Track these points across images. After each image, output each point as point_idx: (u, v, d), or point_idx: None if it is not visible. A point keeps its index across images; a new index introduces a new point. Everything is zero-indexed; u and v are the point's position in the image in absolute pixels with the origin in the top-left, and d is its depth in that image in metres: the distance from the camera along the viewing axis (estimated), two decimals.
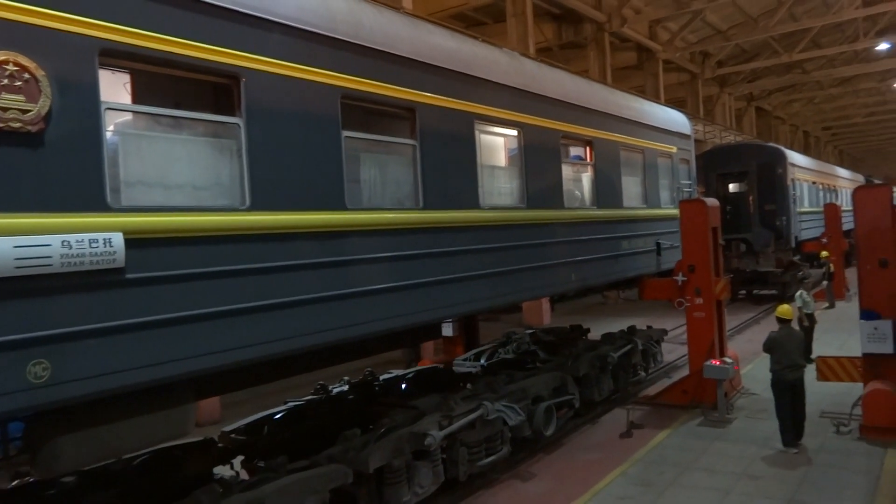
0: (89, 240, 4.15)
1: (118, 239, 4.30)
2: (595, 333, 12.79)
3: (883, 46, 35.02)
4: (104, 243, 4.22)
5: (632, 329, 12.91)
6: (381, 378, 9.48)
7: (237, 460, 7.38)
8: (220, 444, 7.32)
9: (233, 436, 7.54)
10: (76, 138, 4.22)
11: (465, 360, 11.26)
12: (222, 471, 6.98)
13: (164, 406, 5.02)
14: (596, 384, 10.79)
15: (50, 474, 5.03)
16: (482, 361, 11.11)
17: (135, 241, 4.43)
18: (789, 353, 8.96)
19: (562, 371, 10.03)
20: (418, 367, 10.58)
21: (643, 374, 12.82)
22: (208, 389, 5.94)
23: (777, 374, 9.01)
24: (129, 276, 4.40)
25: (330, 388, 8.83)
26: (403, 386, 9.48)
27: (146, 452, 6.39)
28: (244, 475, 6.91)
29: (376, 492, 6.81)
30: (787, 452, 8.78)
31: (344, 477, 6.26)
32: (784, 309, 9.43)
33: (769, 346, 9.13)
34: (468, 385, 9.28)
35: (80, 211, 4.19)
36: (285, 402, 8.40)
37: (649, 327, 13.52)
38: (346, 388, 8.98)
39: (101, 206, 4.30)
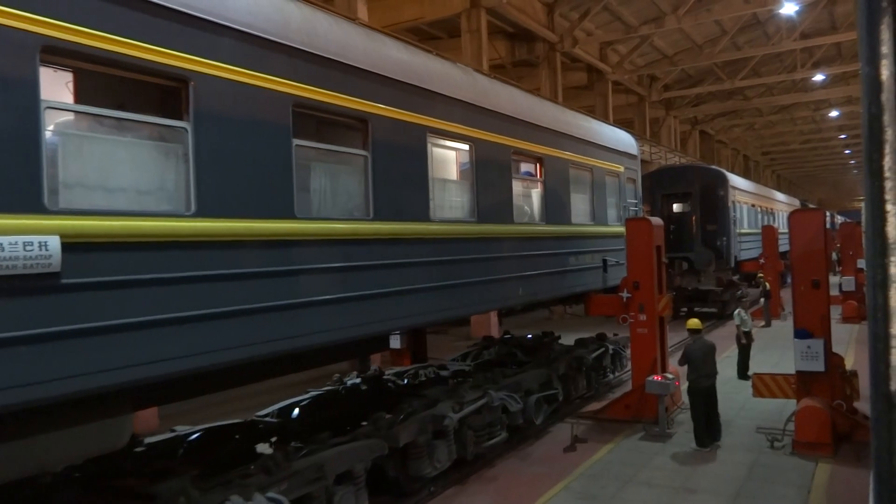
0: (23, 242, 3.98)
1: (54, 242, 4.14)
2: None
3: (818, 77, 36.75)
4: (39, 246, 4.05)
5: (601, 335, 13.84)
6: (387, 373, 10.57)
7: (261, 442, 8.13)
8: (260, 426, 8.23)
9: (267, 419, 8.48)
10: (13, 137, 4.05)
11: (454, 360, 12.29)
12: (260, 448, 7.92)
13: (98, 417, 4.83)
14: (573, 382, 12.14)
15: None
16: (469, 361, 12.15)
17: (72, 245, 4.27)
18: (704, 363, 9.77)
19: (546, 369, 11.16)
20: (418, 364, 11.44)
21: (612, 375, 13.88)
22: (146, 400, 5.76)
23: (693, 383, 9.82)
24: (65, 281, 4.24)
25: (345, 380, 9.85)
26: (406, 380, 10.48)
27: (200, 428, 7.42)
28: None
29: (402, 465, 7.91)
30: (700, 451, 9.57)
31: (381, 449, 7.33)
32: (694, 322, 10.32)
33: (686, 359, 9.88)
34: (461, 380, 10.27)
35: (15, 212, 4.01)
36: (307, 392, 9.34)
37: (616, 335, 14.22)
38: (358, 380, 9.97)
39: (37, 207, 4.14)
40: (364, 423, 7.95)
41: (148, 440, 7.00)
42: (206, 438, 7.32)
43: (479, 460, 9.28)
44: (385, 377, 10.28)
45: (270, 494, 5.84)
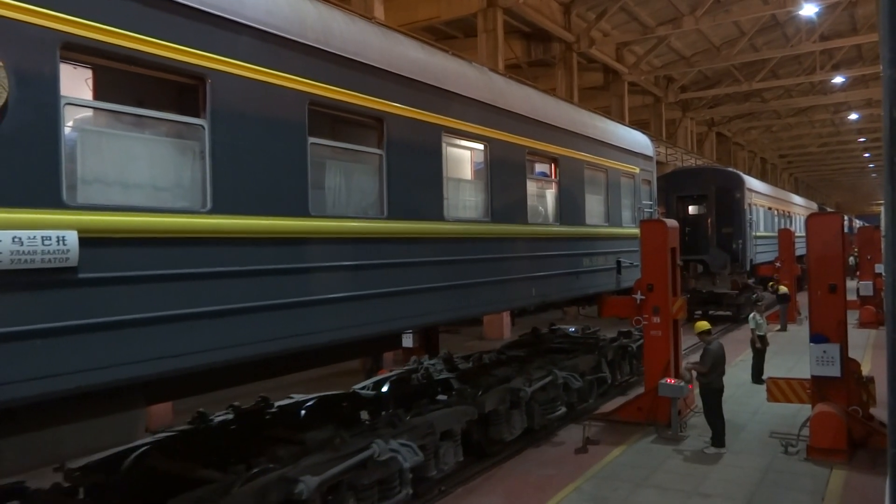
0: (42, 237, 4.03)
1: (72, 237, 4.18)
2: None
3: (838, 80, 36.33)
4: (57, 241, 4.10)
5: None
6: (456, 356, 11.84)
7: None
8: (361, 397, 9.49)
9: (364, 391, 9.75)
10: (33, 132, 4.10)
11: (509, 346, 13.37)
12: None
13: (112, 410, 4.88)
14: (619, 367, 13.48)
15: None
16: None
17: (90, 240, 4.31)
18: (723, 362, 10.04)
19: (596, 355, 12.38)
20: (480, 352, 12.34)
21: None
22: (160, 394, 5.80)
23: (714, 383, 9.92)
24: (81, 275, 4.28)
25: (421, 360, 11.16)
26: (471, 363, 11.73)
27: (314, 396, 8.78)
28: None
29: (484, 430, 9.22)
30: (718, 452, 9.60)
31: (473, 414, 8.68)
32: (702, 323, 10.43)
33: (716, 360, 9.90)
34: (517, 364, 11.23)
35: (34, 207, 4.06)
36: (391, 371, 11.04)
37: None
38: (434, 362, 11.19)
39: (56, 202, 4.18)
40: (439, 397, 9.11)
41: (278, 403, 8.39)
42: (319, 404, 8.65)
43: (487, 460, 9.31)
44: (455, 359, 11.61)
45: (401, 441, 7.08)
